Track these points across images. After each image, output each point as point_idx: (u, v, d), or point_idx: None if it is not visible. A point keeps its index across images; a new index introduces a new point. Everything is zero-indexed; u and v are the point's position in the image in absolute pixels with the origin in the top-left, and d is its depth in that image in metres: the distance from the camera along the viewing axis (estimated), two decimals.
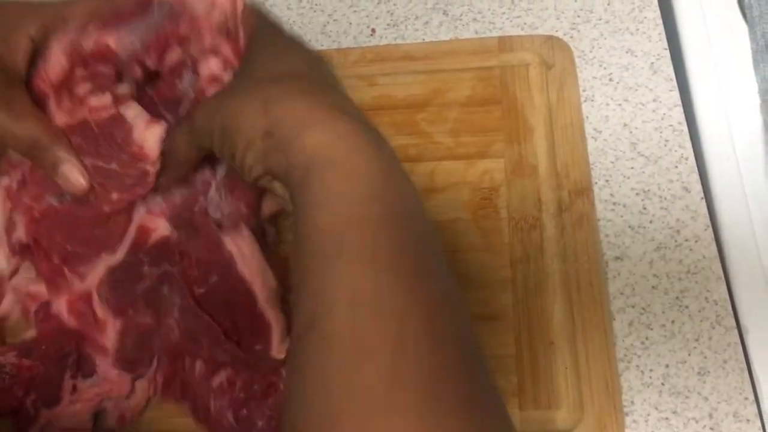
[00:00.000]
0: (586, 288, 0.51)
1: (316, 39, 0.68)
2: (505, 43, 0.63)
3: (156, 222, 0.45)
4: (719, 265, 0.51)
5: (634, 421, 0.47)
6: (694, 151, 0.56)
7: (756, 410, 0.46)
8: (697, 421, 0.46)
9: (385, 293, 0.29)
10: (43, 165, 0.42)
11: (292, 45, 0.41)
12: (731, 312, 0.50)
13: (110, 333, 0.47)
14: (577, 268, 0.51)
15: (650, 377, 0.48)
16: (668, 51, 0.62)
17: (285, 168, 0.34)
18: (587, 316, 0.50)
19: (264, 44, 0.41)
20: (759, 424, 0.46)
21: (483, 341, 0.48)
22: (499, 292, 0.51)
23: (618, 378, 0.48)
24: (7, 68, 0.41)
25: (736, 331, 0.49)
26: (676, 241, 0.53)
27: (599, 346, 0.48)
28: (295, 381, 0.29)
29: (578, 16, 0.65)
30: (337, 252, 0.30)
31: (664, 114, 0.59)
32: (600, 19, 0.65)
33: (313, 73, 0.39)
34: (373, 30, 0.68)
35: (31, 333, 0.48)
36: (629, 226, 0.54)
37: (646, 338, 0.49)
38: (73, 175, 0.41)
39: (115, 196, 0.43)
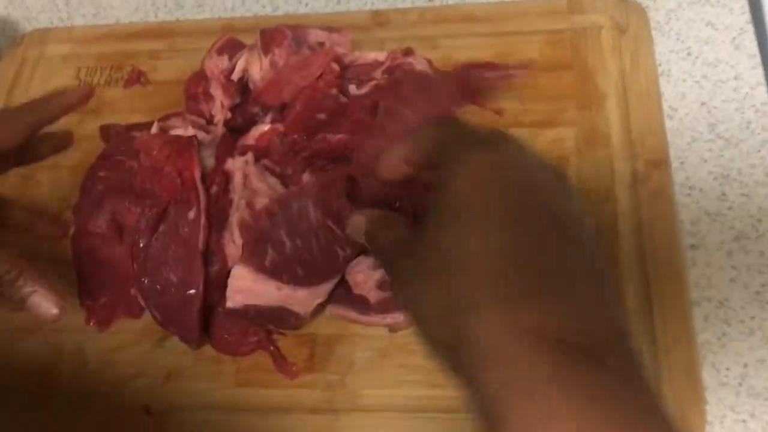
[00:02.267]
0: (664, 266, 0.47)
1: (372, 1, 0.64)
2: (575, 4, 0.59)
3: None
4: None
5: (708, 423, 0.43)
6: None
7: None
8: None
9: None
10: (12, 299, 0.41)
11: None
12: None
13: None
14: (654, 245, 0.48)
15: (726, 376, 0.45)
16: (752, 25, 0.57)
17: (469, 382, 0.27)
18: (666, 296, 0.46)
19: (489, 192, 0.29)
20: None
21: None
22: None
23: (699, 364, 0.44)
24: None
25: None
26: (757, 230, 0.49)
27: (679, 327, 0.45)
28: None
29: None
30: None
31: (747, 93, 0.54)
32: None
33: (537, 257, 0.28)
34: None
35: None
36: (706, 213, 0.50)
37: (723, 334, 0.46)
38: (42, 305, 0.41)
39: None
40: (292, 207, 0.44)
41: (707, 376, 0.45)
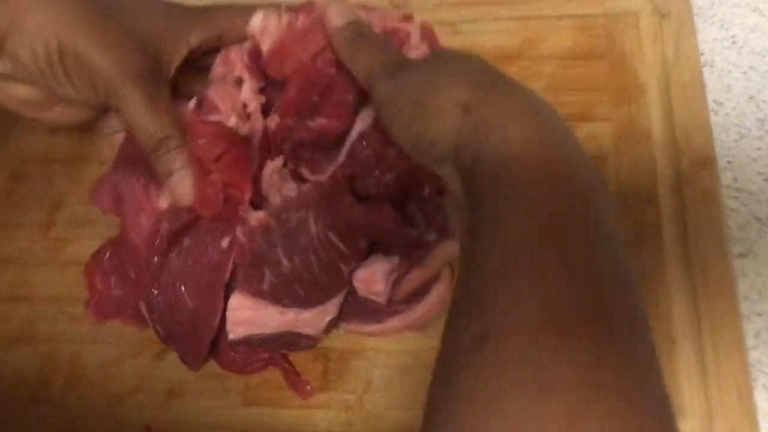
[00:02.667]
0: (714, 279, 0.43)
1: None
2: None
3: None
4: None
5: None
6: None
7: None
8: None
9: (578, 320, 0.25)
10: (160, 167, 0.42)
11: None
12: None
13: None
14: (702, 255, 0.44)
15: None
16: None
17: (474, 154, 0.31)
18: (715, 311, 0.42)
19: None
20: None
21: None
22: None
23: (750, 385, 0.40)
24: (161, 67, 0.43)
25: None
26: None
27: (730, 347, 0.41)
28: (454, 394, 0.26)
29: None
30: (522, 271, 0.27)
31: None
32: None
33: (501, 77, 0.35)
34: None
35: None
36: (755, 218, 0.46)
37: None
38: (183, 187, 0.41)
39: None
40: (291, 220, 0.39)
41: (759, 399, 0.41)
